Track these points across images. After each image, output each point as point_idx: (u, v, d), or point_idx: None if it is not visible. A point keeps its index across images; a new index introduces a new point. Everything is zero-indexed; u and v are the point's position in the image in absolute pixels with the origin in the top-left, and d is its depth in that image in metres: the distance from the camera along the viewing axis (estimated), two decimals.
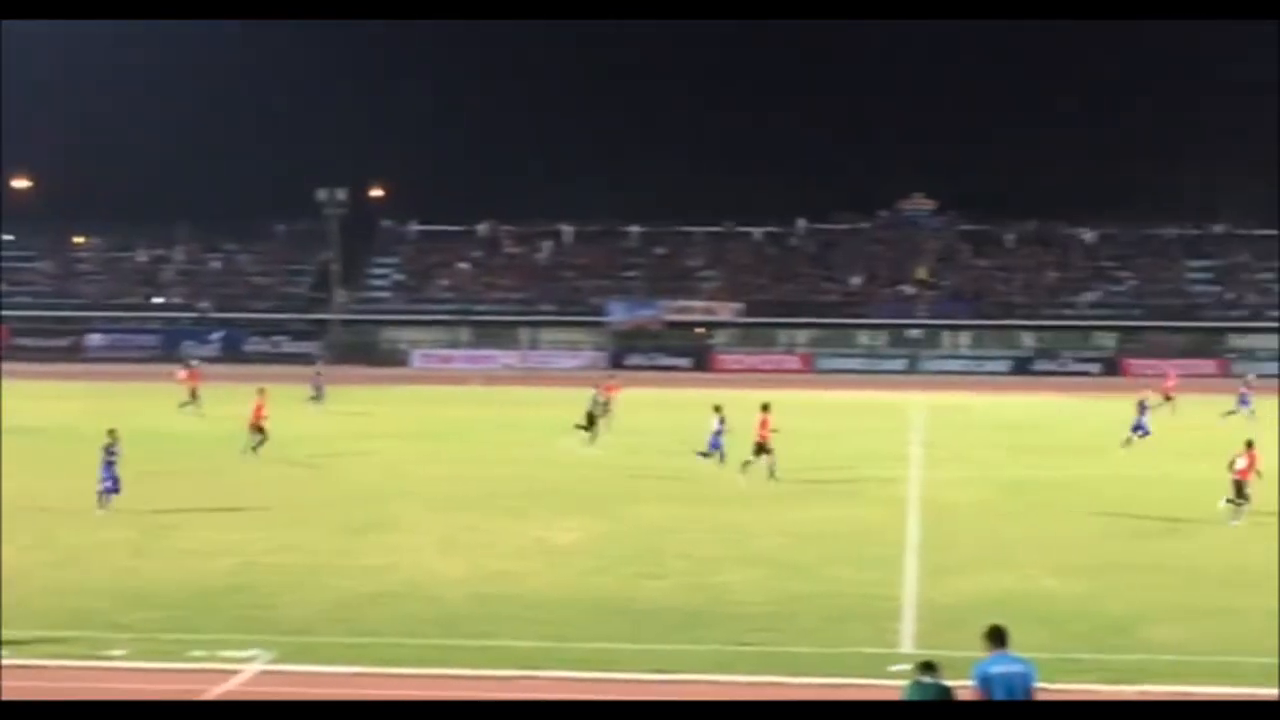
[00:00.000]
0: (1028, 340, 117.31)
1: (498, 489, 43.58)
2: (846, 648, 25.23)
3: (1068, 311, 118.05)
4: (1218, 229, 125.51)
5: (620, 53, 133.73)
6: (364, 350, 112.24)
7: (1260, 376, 76.31)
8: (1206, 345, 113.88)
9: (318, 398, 70.02)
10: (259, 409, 50.43)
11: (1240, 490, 39.14)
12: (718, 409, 48.24)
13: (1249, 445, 40.23)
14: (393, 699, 21.56)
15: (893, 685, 20.67)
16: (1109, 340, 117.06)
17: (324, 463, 49.47)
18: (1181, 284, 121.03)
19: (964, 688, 17.82)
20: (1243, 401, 67.15)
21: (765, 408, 46.17)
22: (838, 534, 35.71)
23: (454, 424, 64.27)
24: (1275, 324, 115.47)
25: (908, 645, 25.44)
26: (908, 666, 19.43)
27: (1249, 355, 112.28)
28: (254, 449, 49.38)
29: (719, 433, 47.41)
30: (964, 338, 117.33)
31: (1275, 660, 24.35)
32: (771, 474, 44.74)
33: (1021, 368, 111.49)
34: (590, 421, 57.09)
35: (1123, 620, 27.33)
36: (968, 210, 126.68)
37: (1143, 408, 58.24)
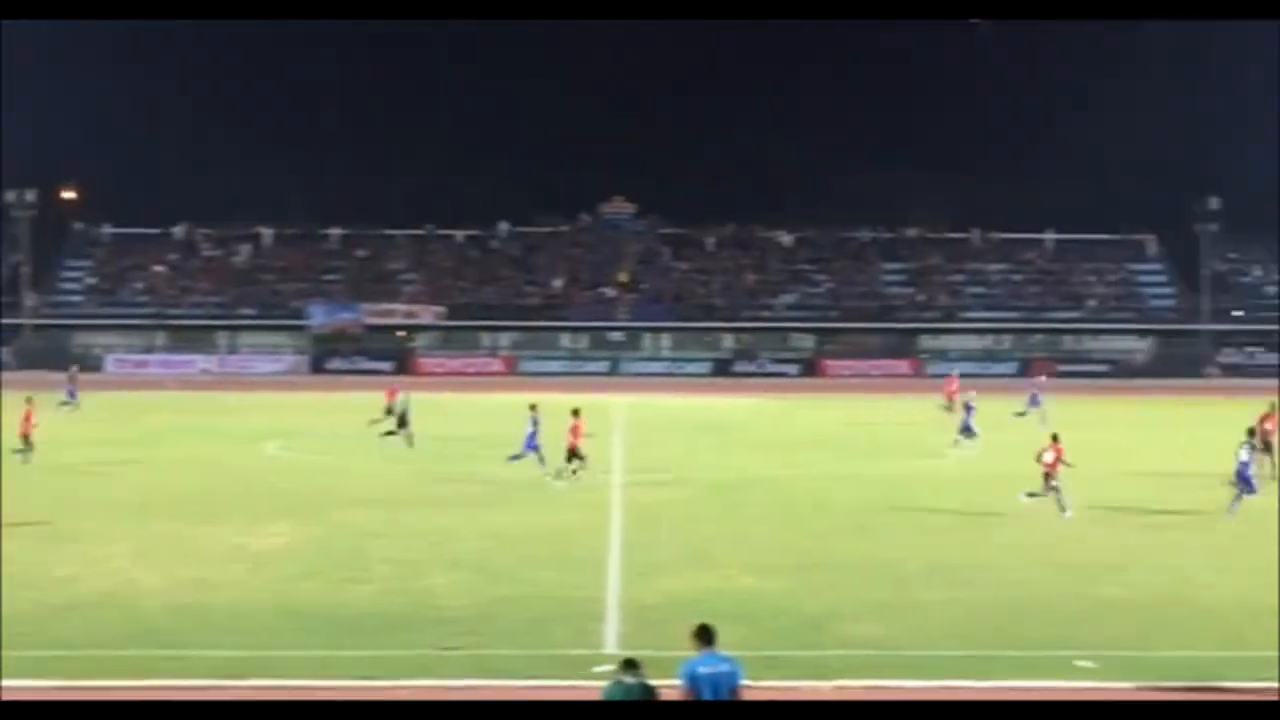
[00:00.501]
0: (727, 342, 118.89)
1: (196, 496, 42.80)
2: (550, 650, 25.22)
3: (766, 313, 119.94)
4: (910, 232, 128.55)
5: (318, 53, 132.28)
6: (55, 355, 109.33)
7: (964, 376, 77.59)
8: (901, 346, 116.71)
9: (69, 403, 68.34)
10: (28, 417, 49.91)
11: (1048, 482, 40.10)
12: (533, 408, 48.15)
13: (1054, 439, 41.48)
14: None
15: (596, 686, 20.72)
16: (807, 341, 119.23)
17: (13, 470, 47.98)
18: (876, 286, 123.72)
19: (670, 687, 17.94)
20: (1033, 402, 67.84)
21: (576, 412, 46.25)
22: (540, 536, 35.74)
23: (150, 430, 63.02)
24: (966, 325, 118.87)
25: (611, 646, 25.51)
26: (611, 667, 19.46)
27: (941, 355, 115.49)
28: (21, 457, 48.84)
29: (534, 434, 47.23)
30: (665, 340, 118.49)
31: (970, 653, 25.00)
32: (560, 475, 45.21)
33: (721, 369, 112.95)
34: (401, 423, 56.49)
35: (820, 617, 27.75)
36: (668, 214, 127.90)
37: (969, 409, 58.61)
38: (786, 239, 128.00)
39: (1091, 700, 21.81)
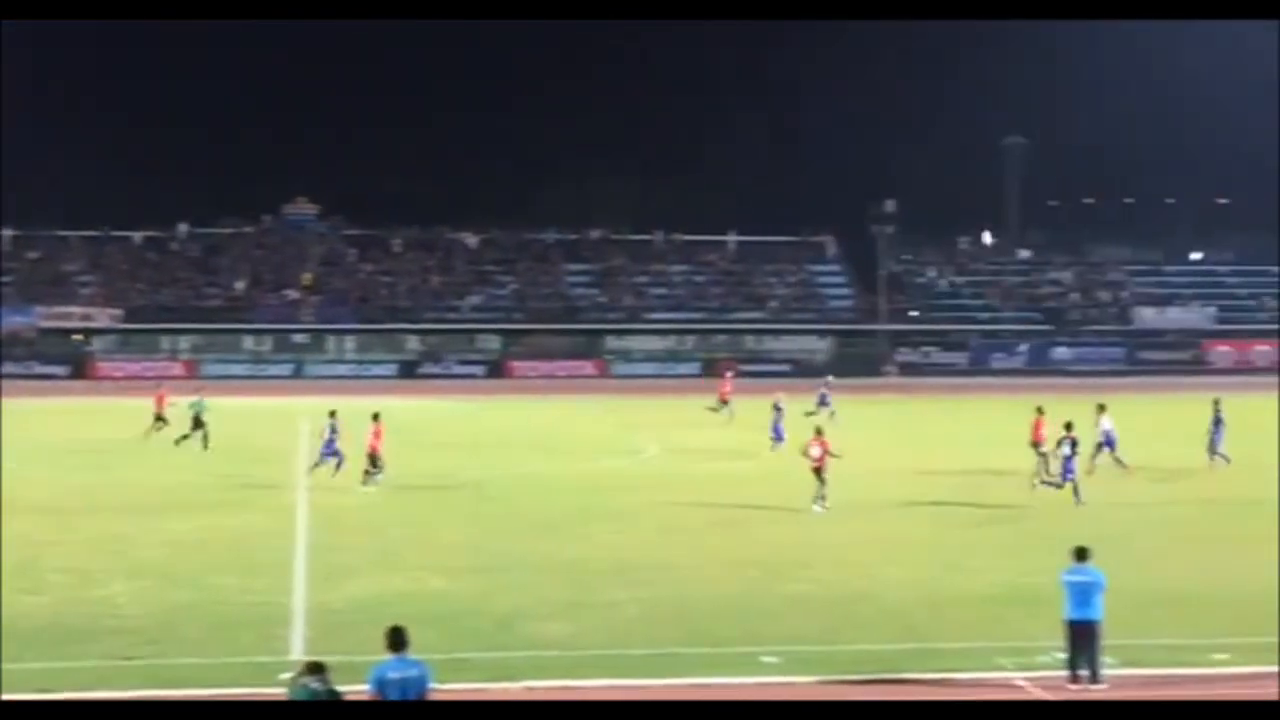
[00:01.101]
0: (413, 344, 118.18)
1: None
2: (234, 657, 24.76)
3: (452, 315, 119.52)
4: (594, 234, 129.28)
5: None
6: None
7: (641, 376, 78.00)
8: (586, 347, 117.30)
9: None
10: None
11: (819, 475, 40.98)
12: (332, 414, 47.46)
13: (819, 432, 42.49)
14: None
15: (282, 693, 20.37)
16: (493, 343, 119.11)
17: None
18: (561, 287, 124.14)
19: (358, 692, 17.73)
20: (823, 402, 67.23)
21: (376, 417, 45.84)
22: (223, 542, 35.09)
23: None
24: (650, 326, 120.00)
25: (297, 651, 25.10)
26: (296, 672, 19.14)
27: (626, 356, 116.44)
28: None
29: (332, 440, 46.53)
30: (350, 342, 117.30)
31: (658, 650, 25.15)
32: (366, 480, 45.04)
33: (407, 371, 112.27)
34: (197, 424, 55.76)
35: (508, 618, 27.69)
36: (352, 215, 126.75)
37: (778, 409, 58.41)
38: (471, 240, 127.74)
39: (778, 699, 22.07)
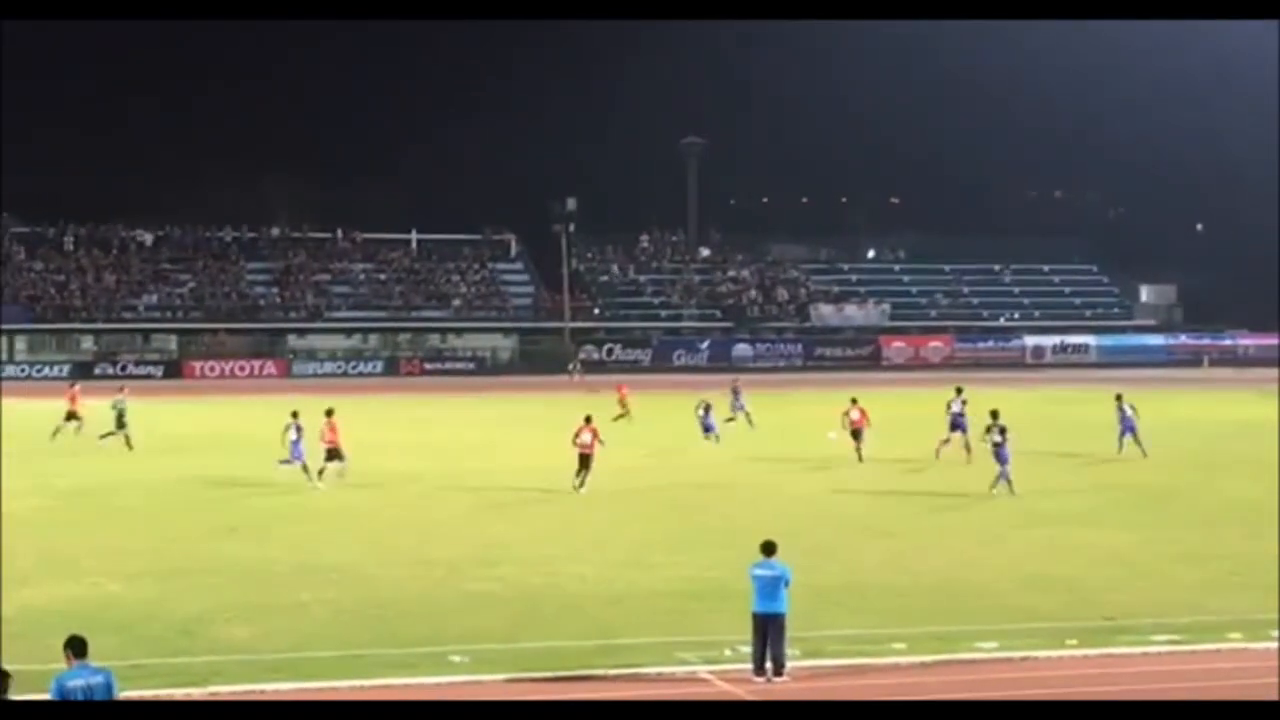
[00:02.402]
0: (87, 344, 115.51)
1: None
2: None
3: (128, 314, 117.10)
4: (274, 232, 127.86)
5: None
6: None
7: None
8: (268, 346, 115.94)
9: None
10: None
11: (585, 463, 43.55)
12: (295, 415, 46.61)
13: (588, 420, 44.63)
14: None
15: None
16: (170, 342, 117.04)
17: None
18: (240, 286, 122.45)
19: (37, 702, 17.32)
20: (737, 404, 65.38)
21: (330, 413, 46.30)
22: None
23: None
24: (333, 324, 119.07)
25: None
26: None
27: (309, 355, 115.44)
28: None
29: (297, 441, 45.96)
30: (20, 343, 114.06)
31: (344, 652, 24.96)
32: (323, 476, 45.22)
33: (82, 372, 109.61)
34: (119, 424, 55.86)
35: (190, 622, 27.24)
36: (21, 212, 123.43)
37: (707, 409, 58.47)
38: (147, 238, 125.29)
39: (465, 699, 22.08)
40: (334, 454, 46.22)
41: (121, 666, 20.00)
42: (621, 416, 65.54)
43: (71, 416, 59.88)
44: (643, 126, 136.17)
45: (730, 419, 63.28)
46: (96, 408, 59.74)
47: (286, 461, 46.25)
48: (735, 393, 66.10)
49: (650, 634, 26.36)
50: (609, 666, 24.03)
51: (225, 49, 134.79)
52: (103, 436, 56.14)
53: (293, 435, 46.50)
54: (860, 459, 51.69)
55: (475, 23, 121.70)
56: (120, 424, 56.71)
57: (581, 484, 43.64)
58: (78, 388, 64.15)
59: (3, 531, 36.98)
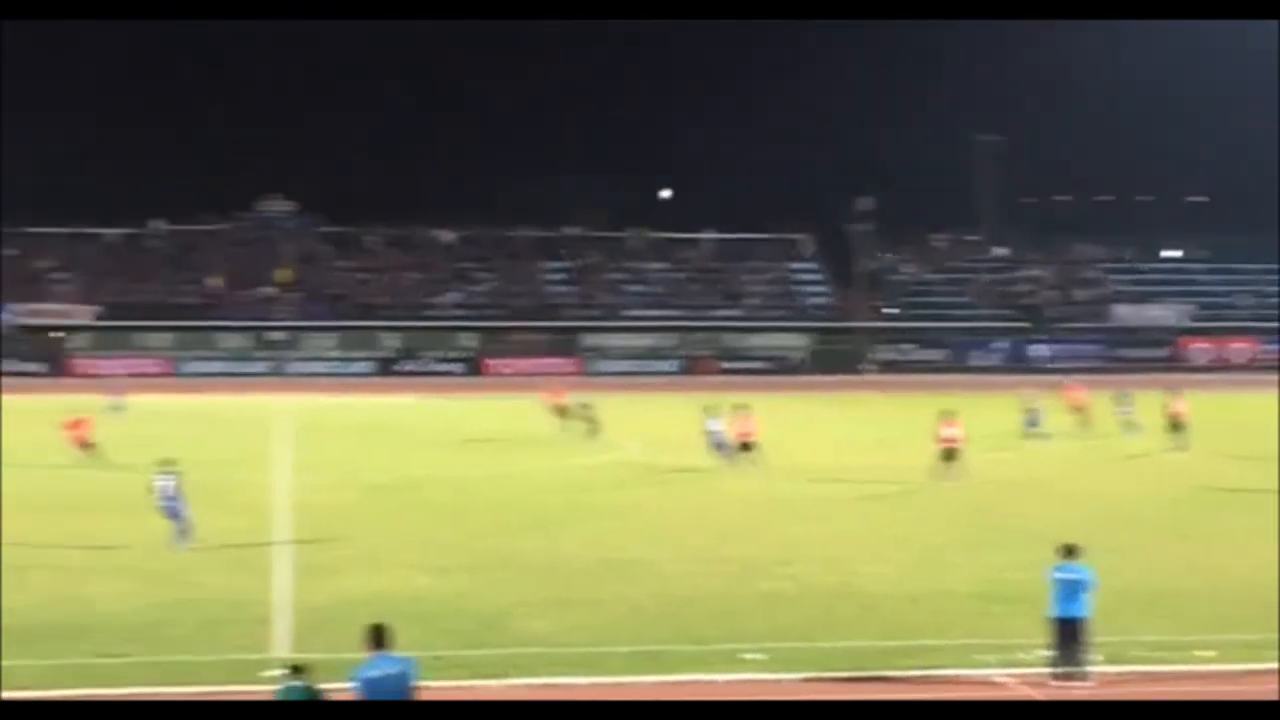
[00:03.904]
0: (391, 341, 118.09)
1: None
2: (217, 654, 24.75)
3: (429, 313, 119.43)
4: (571, 231, 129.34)
5: None
6: None
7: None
8: (564, 344, 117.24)
9: None
10: None
11: (950, 456, 45.78)
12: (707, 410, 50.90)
13: (947, 414, 46.55)
14: None
15: (265, 690, 20.41)
16: (471, 340, 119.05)
17: None
18: (537, 285, 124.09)
19: (341, 690, 17.75)
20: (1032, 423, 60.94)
21: (743, 407, 50.49)
22: (205, 541, 34.93)
23: None
24: (628, 323, 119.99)
25: (281, 649, 25.13)
26: (282, 671, 19.17)
27: (604, 353, 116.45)
28: None
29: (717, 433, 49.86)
30: (328, 340, 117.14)
31: (642, 648, 25.18)
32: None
33: (385, 369, 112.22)
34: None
35: (493, 616, 27.69)
36: (328, 212, 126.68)
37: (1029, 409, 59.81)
38: (449, 237, 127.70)
39: (763, 699, 22.12)
40: (747, 446, 48.42)
41: (425, 658, 20.44)
42: (1078, 418, 62.23)
43: (561, 413, 62.71)
44: (939, 124, 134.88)
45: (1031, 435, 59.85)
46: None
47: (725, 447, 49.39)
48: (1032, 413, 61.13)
49: (948, 635, 26.15)
50: (905, 668, 23.89)
51: (524, 50, 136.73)
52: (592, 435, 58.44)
53: (712, 426, 50.12)
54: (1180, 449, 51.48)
55: (767, 22, 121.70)
56: (589, 421, 59.81)
57: (949, 476, 44.83)
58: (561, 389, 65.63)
59: (319, 523, 38.13)
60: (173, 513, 34.80)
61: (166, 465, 35.59)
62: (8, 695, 21.19)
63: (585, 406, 60.95)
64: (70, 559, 33.07)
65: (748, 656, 24.51)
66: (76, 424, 50.90)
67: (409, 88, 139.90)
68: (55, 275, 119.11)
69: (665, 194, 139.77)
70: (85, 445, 50.58)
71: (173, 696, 22.07)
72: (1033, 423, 58.89)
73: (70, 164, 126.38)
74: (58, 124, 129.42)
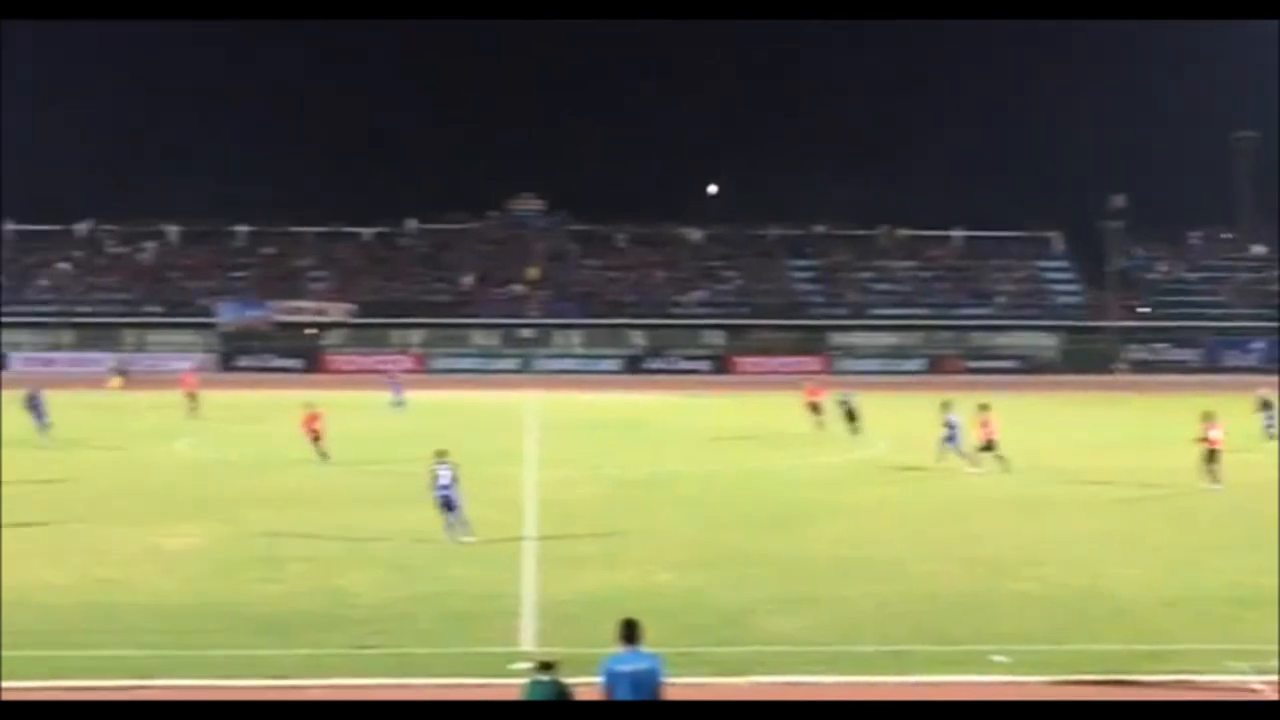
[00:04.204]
0: (638, 339, 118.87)
1: (106, 495, 42.39)
2: (466, 647, 25.10)
3: (676, 310, 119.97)
4: (818, 229, 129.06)
5: (223, 50, 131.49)
6: None
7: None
8: (810, 342, 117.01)
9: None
10: None
11: (989, 449, 46.53)
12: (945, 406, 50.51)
13: (1209, 416, 45.06)
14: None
15: (512, 684, 20.67)
16: (717, 338, 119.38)
17: None
18: (785, 283, 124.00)
19: (589, 685, 17.91)
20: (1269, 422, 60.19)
21: (984, 408, 49.64)
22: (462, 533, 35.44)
23: (57, 429, 62.04)
24: (875, 321, 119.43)
25: (528, 643, 25.43)
26: (529, 664, 19.41)
27: (850, 352, 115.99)
28: None
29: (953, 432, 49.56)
30: (576, 337, 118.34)
31: (887, 647, 25.07)
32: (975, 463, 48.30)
33: (632, 366, 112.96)
34: None
35: (736, 612, 27.74)
36: (577, 211, 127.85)
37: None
38: (696, 236, 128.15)
39: (1011, 700, 21.91)
40: (989, 446, 48.05)
41: (669, 654, 20.54)
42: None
43: (815, 410, 62.53)
44: (1193, 121, 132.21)
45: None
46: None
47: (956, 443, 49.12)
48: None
49: (1201, 640, 25.65)
50: (1155, 672, 23.48)
51: (768, 49, 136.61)
52: (855, 434, 57.75)
53: (952, 419, 49.51)
54: None
55: (1017, 20, 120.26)
56: (850, 417, 59.22)
57: (1214, 479, 43.99)
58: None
59: (566, 518, 38.53)
60: (448, 502, 35.22)
61: (441, 456, 35.98)
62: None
63: (846, 400, 60.53)
64: (325, 550, 33.79)
65: (995, 658, 24.29)
66: (312, 418, 51.74)
67: (658, 87, 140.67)
68: (312, 274, 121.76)
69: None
70: (317, 439, 51.33)
71: (417, 691, 22.50)
72: (1270, 423, 57.51)
73: (329, 166, 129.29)
74: (318, 128, 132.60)
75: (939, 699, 21.32)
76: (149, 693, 22.17)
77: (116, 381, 79.10)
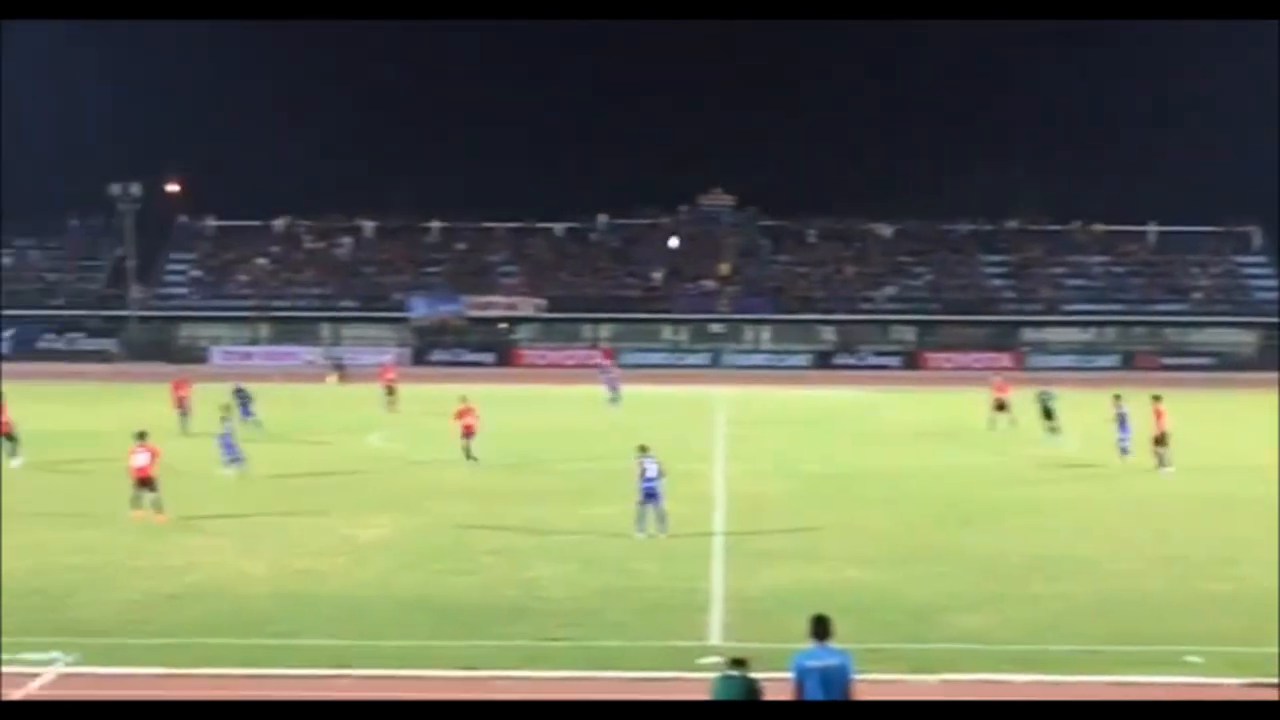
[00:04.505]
0: (828, 335, 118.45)
1: (300, 487, 43.13)
2: (655, 641, 25.26)
3: (866, 306, 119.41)
4: (1010, 224, 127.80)
5: (419, 48, 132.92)
6: (162, 347, 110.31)
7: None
8: (1002, 338, 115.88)
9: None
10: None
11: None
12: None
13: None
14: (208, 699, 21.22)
15: (701, 679, 20.75)
16: (908, 334, 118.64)
17: (118, 460, 47.81)
18: (977, 278, 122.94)
19: (776, 680, 17.94)
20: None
21: (1157, 399, 48.63)
22: (651, 526, 35.58)
23: (254, 422, 63.11)
24: (1068, 317, 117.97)
25: (716, 637, 25.53)
26: (717, 659, 19.50)
27: (1042, 348, 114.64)
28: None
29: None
30: (765, 332, 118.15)
31: (1078, 647, 24.82)
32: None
33: (822, 362, 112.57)
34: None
35: (926, 610, 27.65)
36: (767, 206, 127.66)
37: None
38: (886, 231, 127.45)
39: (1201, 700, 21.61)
40: (1161, 440, 47.30)
41: (858, 650, 20.51)
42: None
43: (1001, 407, 61.33)
44: None
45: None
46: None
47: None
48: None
49: None
50: None
51: (958, 44, 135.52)
52: (1053, 433, 56.70)
53: (1122, 410, 49.31)
54: None
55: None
56: (1048, 415, 57.54)
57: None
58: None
59: (755, 513, 38.56)
60: (652, 494, 35.39)
61: (644, 451, 36.24)
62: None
63: (1045, 397, 59.45)
64: (515, 543, 34.12)
65: (1189, 659, 23.97)
66: (464, 412, 50.83)
67: (847, 82, 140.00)
68: (504, 268, 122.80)
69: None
70: (470, 435, 49.99)
71: (604, 681, 22.66)
72: None
73: (520, 162, 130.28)
74: (509, 125, 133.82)
75: (1131, 699, 21.06)
76: (212, 691, 22.55)
77: (333, 377, 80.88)
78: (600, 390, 71.59)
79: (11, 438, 48.17)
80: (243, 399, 60.11)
